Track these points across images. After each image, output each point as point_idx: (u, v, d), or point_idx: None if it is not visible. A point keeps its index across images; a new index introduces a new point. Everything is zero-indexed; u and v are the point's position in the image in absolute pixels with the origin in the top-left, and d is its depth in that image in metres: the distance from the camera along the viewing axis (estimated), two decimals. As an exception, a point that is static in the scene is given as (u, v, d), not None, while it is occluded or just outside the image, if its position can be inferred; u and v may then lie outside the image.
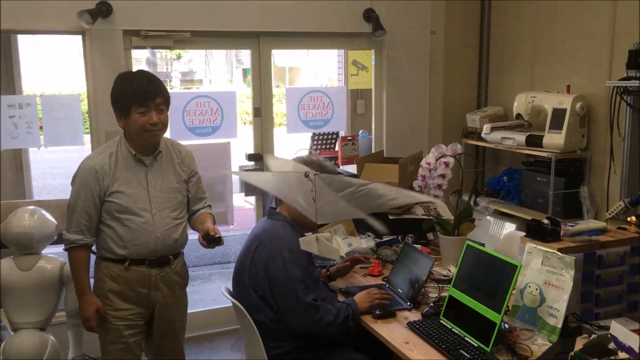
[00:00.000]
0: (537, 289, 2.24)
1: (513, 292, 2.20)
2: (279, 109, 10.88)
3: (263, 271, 2.43)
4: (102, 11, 3.52)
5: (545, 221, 2.42)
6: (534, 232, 2.42)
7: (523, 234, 3.13)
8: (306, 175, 2.09)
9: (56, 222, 2.80)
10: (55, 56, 15.45)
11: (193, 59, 21.20)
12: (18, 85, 4.26)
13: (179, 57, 20.55)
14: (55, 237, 2.81)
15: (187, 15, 3.75)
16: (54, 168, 10.20)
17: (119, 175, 2.44)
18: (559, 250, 2.25)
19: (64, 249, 2.49)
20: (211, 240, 2.45)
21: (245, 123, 13.10)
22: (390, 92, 4.41)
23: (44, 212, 2.77)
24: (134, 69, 3.48)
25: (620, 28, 3.39)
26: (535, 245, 2.31)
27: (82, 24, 3.42)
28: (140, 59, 20.24)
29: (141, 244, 2.45)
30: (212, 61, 21.29)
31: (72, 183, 2.48)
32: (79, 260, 2.46)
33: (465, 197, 3.65)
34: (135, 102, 2.39)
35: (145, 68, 22.81)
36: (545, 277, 2.23)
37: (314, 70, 20.29)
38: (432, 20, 4.41)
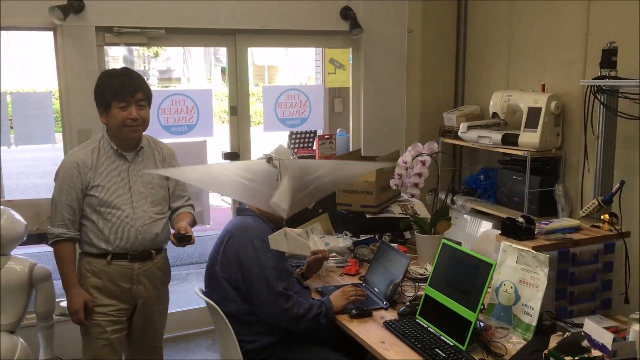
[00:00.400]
0: (512, 287, 2.25)
1: (488, 290, 2.20)
2: (258, 107, 10.84)
3: (235, 260, 2.44)
4: (74, 7, 3.45)
5: (520, 219, 2.42)
6: (509, 230, 2.43)
7: (499, 232, 3.16)
8: (269, 160, 2.05)
9: (25, 223, 2.73)
10: (29, 53, 15.18)
11: (171, 57, 21.02)
12: (-12, 83, 4.14)
13: (156, 55, 20.35)
14: (25, 238, 2.75)
15: (162, 12, 3.70)
16: (28, 167, 10.02)
17: (101, 170, 2.48)
18: (534, 248, 2.26)
19: (48, 244, 2.51)
20: (181, 239, 2.46)
21: (223, 122, 13.01)
22: (367, 90, 4.40)
23: (12, 212, 2.71)
24: (111, 67, 3.44)
25: (594, 28, 3.43)
26: (510, 244, 2.32)
27: (53, 20, 3.35)
28: (117, 57, 20.00)
29: (122, 238, 2.47)
30: (190, 59, 21.12)
31: (55, 178, 2.52)
32: (65, 253, 2.48)
33: (442, 196, 3.66)
34: (115, 96, 2.44)
35: (122, 65, 22.51)
36: (520, 275, 2.24)
37: (293, 69, 20.26)
38: (409, 19, 4.41)
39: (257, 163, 2.13)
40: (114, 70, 2.63)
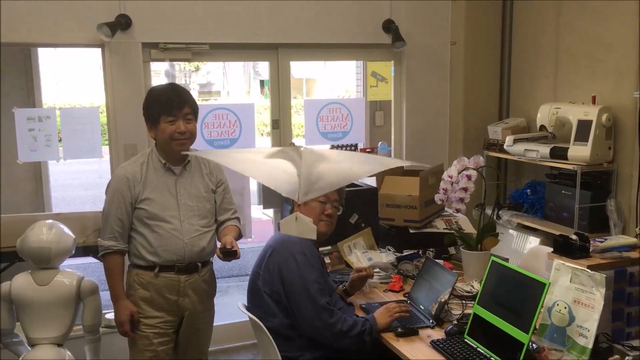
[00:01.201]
0: (565, 308, 2.16)
1: (541, 310, 2.12)
2: (297, 120, 10.89)
3: (277, 275, 2.42)
4: (122, 24, 3.52)
5: (574, 237, 2.34)
6: (562, 248, 2.34)
7: (548, 249, 3.05)
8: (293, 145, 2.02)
9: (74, 237, 2.78)
10: (75, 69, 15.64)
11: (211, 71, 21.36)
12: (38, 98, 4.28)
13: (197, 69, 20.70)
14: (73, 252, 2.79)
15: (206, 28, 3.74)
16: (74, 179, 10.27)
17: (150, 183, 2.53)
18: (589, 267, 2.17)
19: (98, 256, 2.57)
20: (226, 253, 2.48)
21: (262, 134, 13.11)
22: (409, 103, 4.36)
23: (61, 226, 2.75)
24: (153, 82, 3.49)
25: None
26: (563, 262, 2.23)
27: (101, 37, 3.42)
28: (159, 72, 20.44)
29: (170, 250, 2.50)
30: (229, 73, 21.41)
31: (106, 192, 2.58)
32: (114, 265, 2.53)
33: (488, 211, 3.57)
34: (163, 111, 2.49)
35: (164, 80, 23.05)
36: (575, 295, 2.15)
37: (331, 82, 20.31)
38: (452, 31, 4.36)
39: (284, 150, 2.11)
40: (161, 86, 2.69)
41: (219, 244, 2.62)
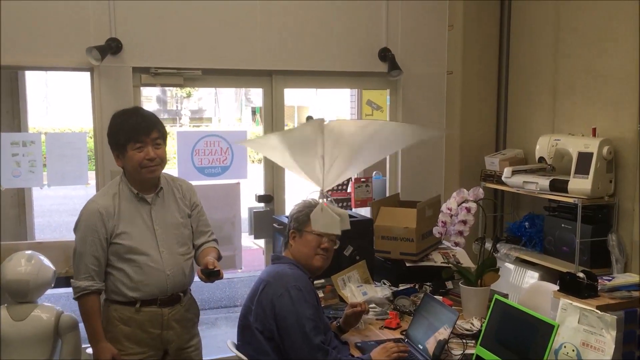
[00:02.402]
0: (573, 350, 2.05)
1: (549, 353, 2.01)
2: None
3: (270, 310, 2.30)
4: (112, 47, 3.44)
5: (581, 275, 2.23)
6: (569, 286, 2.23)
7: (549, 285, 2.96)
8: (309, 119, 1.93)
9: (54, 269, 2.64)
10: (66, 93, 15.56)
11: (203, 98, 21.37)
12: (24, 122, 4.16)
13: (189, 95, 20.71)
14: (53, 284, 2.65)
15: (199, 53, 3.67)
16: (59, 204, 10.09)
17: (124, 216, 2.41)
18: (598, 307, 2.07)
19: (73, 298, 2.41)
20: (209, 274, 2.38)
21: (253, 162, 13.02)
22: (405, 133, 4.27)
23: (41, 257, 2.62)
24: (145, 107, 3.40)
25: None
26: (570, 302, 2.13)
27: (90, 61, 3.33)
28: (150, 97, 20.40)
29: (152, 284, 2.40)
30: (221, 100, 21.43)
31: (76, 229, 2.42)
32: (91, 306, 2.38)
33: (488, 245, 3.47)
34: (130, 138, 2.38)
35: (156, 106, 23.09)
36: (583, 337, 2.04)
37: (323, 109, 20.34)
38: (449, 60, 4.31)
39: (299, 128, 2.02)
40: (125, 110, 2.55)
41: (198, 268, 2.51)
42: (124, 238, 2.39)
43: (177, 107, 21.35)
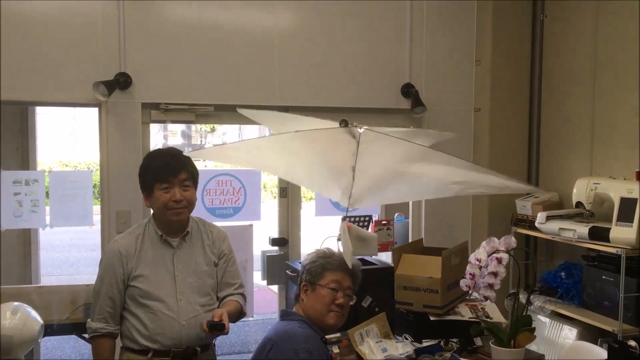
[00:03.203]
0: None
1: None
2: (310, 183, 10.63)
3: None
4: (120, 83, 3.30)
5: (632, 343, 1.93)
6: (619, 356, 1.93)
7: (590, 346, 2.65)
8: (343, 124, 1.62)
9: (41, 322, 2.44)
10: (77, 128, 15.76)
11: (227, 132, 21.45)
12: (32, 159, 4.04)
13: (213, 129, 20.79)
14: (40, 340, 2.44)
15: (211, 88, 3.52)
16: (80, 239, 9.93)
17: (144, 258, 2.32)
18: (656, 385, 1.77)
19: (87, 340, 2.34)
20: (212, 327, 2.19)
21: (275, 197, 12.87)
22: (429, 173, 4.04)
23: (28, 309, 2.43)
24: (169, 142, 3.26)
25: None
26: (623, 378, 1.83)
27: (97, 96, 3.19)
28: (175, 132, 20.57)
29: (164, 334, 2.28)
30: (245, 134, 21.48)
31: (99, 266, 2.36)
32: (103, 350, 2.30)
33: (523, 299, 3.18)
34: (157, 178, 2.30)
35: (180, 140, 23.22)
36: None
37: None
38: (476, 96, 4.09)
39: (326, 131, 1.71)
40: (157, 150, 2.51)
41: None
42: (141, 281, 2.28)
43: (201, 141, 21.47)
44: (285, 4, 3.68)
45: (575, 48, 3.78)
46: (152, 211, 2.39)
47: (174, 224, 2.34)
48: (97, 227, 3.51)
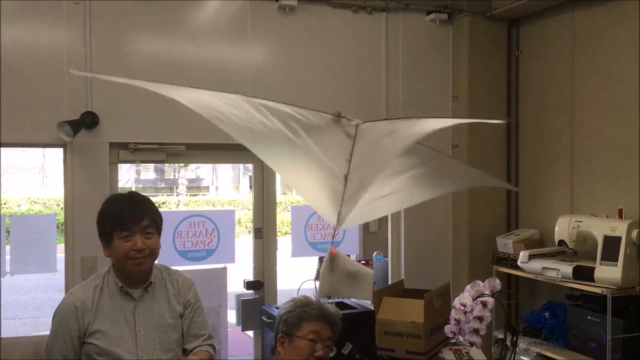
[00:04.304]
0: None
1: None
2: (285, 217, 10.48)
3: None
4: (86, 122, 3.16)
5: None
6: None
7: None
8: (337, 116, 1.43)
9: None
10: (47, 164, 15.50)
11: (200, 167, 21.25)
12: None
13: (186, 165, 20.60)
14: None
15: (183, 127, 3.39)
16: (39, 279, 9.52)
17: (102, 312, 2.13)
18: None
19: None
20: None
21: (250, 231, 12.68)
22: (408, 209, 3.94)
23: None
24: (142, 176, 3.11)
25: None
26: None
27: (61, 137, 3.04)
28: (148, 167, 20.30)
29: None
30: (219, 169, 21.32)
31: (52, 321, 2.15)
32: None
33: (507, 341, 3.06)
34: (117, 225, 2.11)
35: (153, 175, 22.71)
36: None
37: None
38: (453, 134, 4.04)
39: (309, 115, 1.49)
40: (116, 195, 2.35)
41: None
42: (98, 338, 2.09)
43: (174, 176, 21.21)
44: (259, 40, 3.60)
45: (552, 84, 3.77)
46: (111, 261, 2.22)
47: (135, 275, 2.17)
48: (62, 273, 3.32)
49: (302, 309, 2.21)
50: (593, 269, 3.07)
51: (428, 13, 3.96)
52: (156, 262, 2.25)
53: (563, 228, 3.30)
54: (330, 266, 1.55)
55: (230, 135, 1.81)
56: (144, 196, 2.27)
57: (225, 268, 3.66)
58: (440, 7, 3.96)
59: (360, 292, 1.61)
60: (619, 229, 3.02)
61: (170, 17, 3.40)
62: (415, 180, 1.64)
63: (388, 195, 1.68)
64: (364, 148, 1.47)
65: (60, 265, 3.34)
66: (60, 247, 3.31)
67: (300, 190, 1.79)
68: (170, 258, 3.40)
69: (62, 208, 3.55)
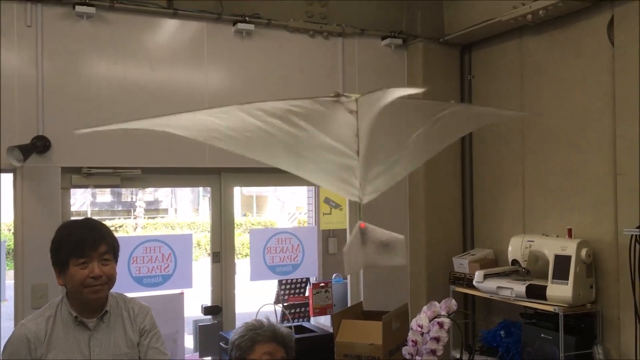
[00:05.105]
0: None
1: None
2: (245, 239, 10.40)
3: None
4: (37, 147, 3.08)
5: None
6: None
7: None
8: (336, 96, 1.41)
9: None
10: None
11: (159, 189, 20.90)
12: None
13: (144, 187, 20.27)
14: None
15: (137, 151, 3.35)
16: None
17: (55, 343, 2.05)
18: None
19: None
20: None
21: (209, 254, 12.50)
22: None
23: None
24: (98, 199, 3.03)
25: (622, 167, 3.06)
26: None
27: (11, 162, 2.95)
28: (104, 190, 19.85)
29: None
30: (178, 190, 21.00)
31: (2, 352, 2.07)
32: None
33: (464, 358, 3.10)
34: (73, 252, 2.05)
35: (110, 198, 22.13)
36: None
37: (282, 199, 20.11)
38: (409, 156, 4.08)
39: (307, 105, 1.47)
40: (72, 222, 2.27)
41: None
42: None
43: (132, 198, 20.79)
44: (215, 63, 3.59)
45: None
46: (64, 290, 2.15)
47: (91, 303, 2.11)
48: (11, 302, 3.21)
49: (254, 331, 2.19)
50: (545, 287, 3.14)
51: (383, 38, 4.04)
52: (111, 290, 2.20)
53: (516, 248, 3.37)
54: (362, 240, 1.54)
55: (230, 150, 1.77)
56: (100, 222, 2.23)
57: (182, 293, 3.60)
58: (394, 32, 4.04)
59: (395, 259, 1.60)
60: (569, 248, 3.10)
61: (125, 40, 3.36)
62: (425, 137, 1.65)
63: (403, 157, 1.69)
64: (368, 118, 1.48)
65: (10, 292, 3.23)
66: (10, 274, 3.20)
67: (315, 179, 1.77)
68: (125, 284, 3.31)
69: (12, 232, 3.44)
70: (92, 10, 3.21)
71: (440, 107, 1.72)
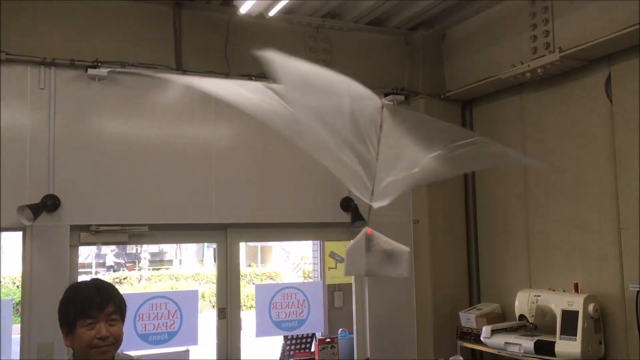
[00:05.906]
0: None
1: None
2: (250, 290, 10.31)
3: None
4: (48, 205, 3.13)
5: None
6: None
7: None
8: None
9: None
10: (4, 239, 14.98)
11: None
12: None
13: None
14: None
15: (145, 207, 3.40)
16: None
17: None
18: None
19: None
20: None
21: (214, 306, 12.41)
22: (372, 286, 3.97)
23: None
24: (103, 251, 3.05)
25: (625, 221, 3.08)
26: None
27: (21, 221, 3.00)
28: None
29: None
30: (184, 249, 20.99)
31: None
32: None
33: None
34: (81, 313, 2.02)
35: (115, 250, 21.99)
36: None
37: (286, 249, 20.01)
38: (414, 209, 4.12)
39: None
40: (80, 283, 2.26)
41: None
42: None
43: (137, 250, 20.71)
44: (222, 120, 3.65)
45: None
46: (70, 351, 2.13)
47: None
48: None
49: None
50: (554, 343, 3.11)
51: (386, 95, 4.12)
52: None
53: (523, 302, 3.35)
54: (367, 246, 1.53)
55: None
56: (107, 282, 2.24)
57: (187, 350, 3.57)
58: (397, 88, 4.13)
59: (397, 270, 1.57)
60: (576, 303, 3.08)
61: (135, 100, 3.45)
62: (442, 160, 1.66)
63: (415, 172, 1.70)
64: (391, 126, 1.50)
65: (16, 347, 3.21)
66: (16, 328, 3.19)
67: (331, 165, 1.77)
68: (131, 342, 3.31)
69: (18, 286, 3.45)
70: (104, 72, 3.31)
71: (465, 135, 1.75)
